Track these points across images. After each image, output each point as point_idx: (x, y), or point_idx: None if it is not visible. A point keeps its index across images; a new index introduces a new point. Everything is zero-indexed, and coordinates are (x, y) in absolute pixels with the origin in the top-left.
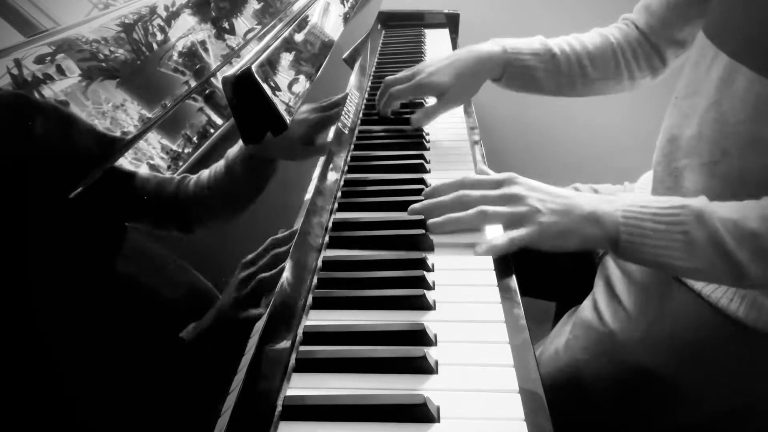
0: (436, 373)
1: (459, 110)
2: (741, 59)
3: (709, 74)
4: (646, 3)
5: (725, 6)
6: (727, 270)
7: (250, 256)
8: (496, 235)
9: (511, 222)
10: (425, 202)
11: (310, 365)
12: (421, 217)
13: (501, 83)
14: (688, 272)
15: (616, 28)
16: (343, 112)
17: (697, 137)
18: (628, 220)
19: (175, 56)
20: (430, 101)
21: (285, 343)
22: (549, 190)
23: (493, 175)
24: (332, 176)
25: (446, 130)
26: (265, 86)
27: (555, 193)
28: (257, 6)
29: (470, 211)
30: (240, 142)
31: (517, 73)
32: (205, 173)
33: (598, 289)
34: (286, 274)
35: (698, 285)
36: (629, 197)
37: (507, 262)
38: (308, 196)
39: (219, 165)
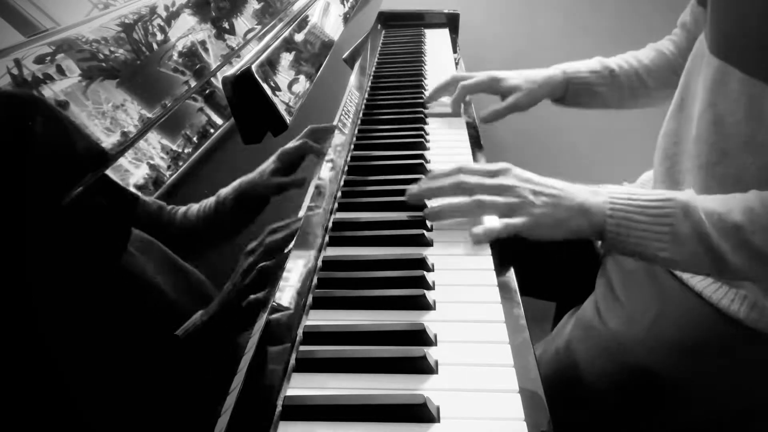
0: (436, 373)
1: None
2: (731, 61)
3: (704, 76)
4: (682, 21)
5: (714, 10)
6: (710, 261)
7: (249, 254)
8: (492, 220)
9: (505, 212)
10: (423, 185)
11: (310, 365)
12: (422, 216)
13: (564, 102)
14: (672, 263)
15: (669, 41)
16: (343, 112)
17: (696, 139)
18: (614, 212)
19: (175, 56)
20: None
21: (285, 343)
22: (540, 181)
23: (489, 165)
24: (332, 176)
25: (446, 129)
26: (265, 86)
27: (546, 184)
28: (257, 6)
29: (467, 200)
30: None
31: (579, 90)
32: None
33: (599, 290)
34: (286, 275)
35: (699, 286)
36: (613, 187)
37: (506, 259)
38: (307, 197)
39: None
